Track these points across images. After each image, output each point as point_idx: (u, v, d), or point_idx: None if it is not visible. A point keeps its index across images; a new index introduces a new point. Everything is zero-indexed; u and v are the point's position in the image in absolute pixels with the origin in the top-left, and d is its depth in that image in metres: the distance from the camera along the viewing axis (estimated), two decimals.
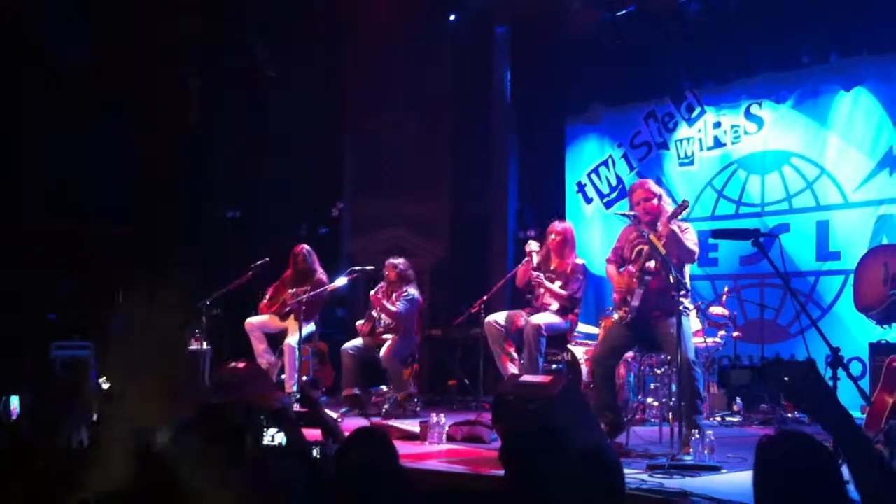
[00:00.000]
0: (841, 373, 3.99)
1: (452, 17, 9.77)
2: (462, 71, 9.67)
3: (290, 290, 7.92)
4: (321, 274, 8.03)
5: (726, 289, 7.85)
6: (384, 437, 3.28)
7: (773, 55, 8.33)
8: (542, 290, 6.99)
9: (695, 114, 9.04)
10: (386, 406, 7.54)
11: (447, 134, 9.85)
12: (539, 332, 6.64)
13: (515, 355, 6.75)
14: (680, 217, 5.69)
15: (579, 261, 7.10)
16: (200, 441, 3.43)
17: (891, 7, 7.37)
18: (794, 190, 8.35)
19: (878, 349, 6.40)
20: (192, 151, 9.80)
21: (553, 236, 7.07)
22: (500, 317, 6.87)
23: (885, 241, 7.50)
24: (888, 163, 7.73)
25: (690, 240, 5.75)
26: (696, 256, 5.81)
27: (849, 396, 4.75)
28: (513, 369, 6.64)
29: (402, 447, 5.70)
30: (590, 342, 7.31)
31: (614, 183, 9.61)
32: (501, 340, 6.75)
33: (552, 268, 7.03)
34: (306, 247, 8.15)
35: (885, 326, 5.65)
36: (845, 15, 7.67)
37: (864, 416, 5.53)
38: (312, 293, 7.71)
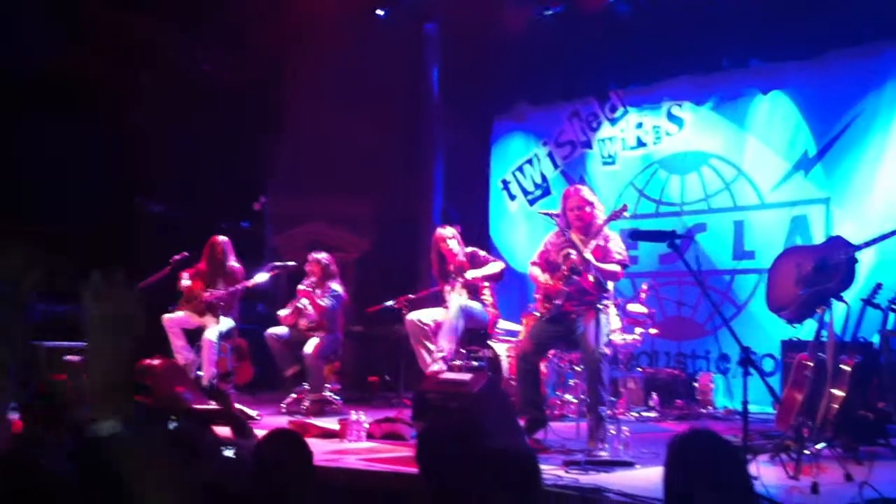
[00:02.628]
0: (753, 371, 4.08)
1: (381, 13, 9.71)
2: (390, 67, 9.60)
3: (205, 289, 7.76)
4: (236, 267, 7.89)
5: (645, 286, 7.97)
6: (298, 439, 3.23)
7: (695, 58, 8.47)
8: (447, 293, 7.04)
9: (618, 114, 9.16)
10: (306, 403, 7.46)
11: (375, 129, 9.78)
12: (456, 328, 6.63)
13: (438, 354, 6.74)
14: (618, 219, 5.80)
15: (469, 249, 7.15)
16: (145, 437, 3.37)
17: (808, 14, 7.55)
18: (712, 190, 8.52)
19: (789, 346, 6.58)
20: (122, 146, 9.56)
21: (449, 242, 7.10)
22: (422, 314, 6.85)
23: (798, 242, 7.72)
24: (803, 165, 7.94)
25: (615, 250, 5.82)
26: (619, 275, 5.86)
27: (760, 394, 4.89)
28: (434, 367, 6.63)
29: (321, 445, 5.71)
30: (512, 339, 7.34)
31: (538, 181, 9.69)
32: (423, 338, 6.73)
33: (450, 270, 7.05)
34: (222, 238, 8.00)
35: (795, 325, 5.79)
36: (765, 21, 7.84)
37: (776, 412, 5.70)
38: (229, 290, 7.59)
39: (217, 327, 7.55)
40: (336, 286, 7.82)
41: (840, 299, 5.36)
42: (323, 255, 7.91)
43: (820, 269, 5.38)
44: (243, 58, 9.72)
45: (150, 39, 9.31)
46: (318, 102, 9.97)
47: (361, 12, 9.53)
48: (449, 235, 7.10)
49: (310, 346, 7.48)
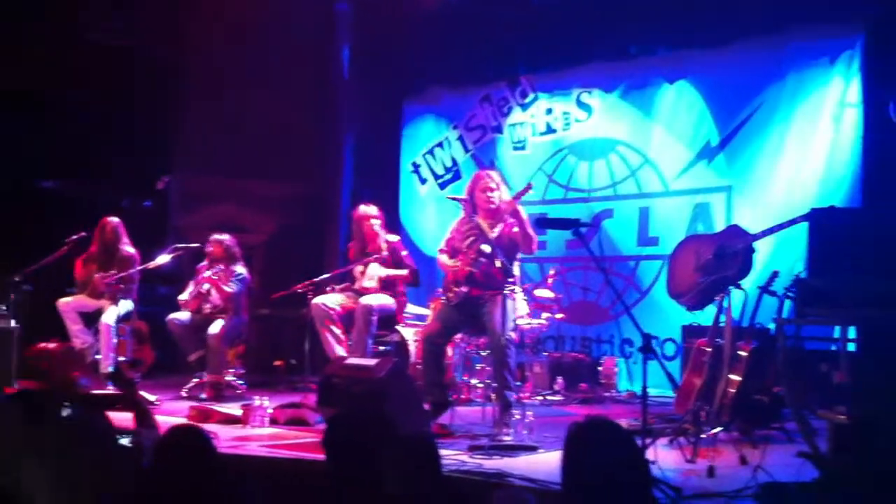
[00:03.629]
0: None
1: None
2: (301, 45, 9.43)
3: (98, 272, 7.52)
4: (129, 250, 7.66)
5: (552, 271, 8.04)
6: (200, 435, 3.15)
7: (604, 46, 8.56)
8: (360, 273, 6.96)
9: (528, 99, 9.21)
10: (208, 388, 7.30)
11: (285, 108, 9.60)
12: (370, 312, 6.59)
13: (343, 336, 6.68)
14: (522, 198, 5.81)
15: (393, 238, 7.09)
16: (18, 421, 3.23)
17: (714, 3, 7.69)
18: (619, 177, 8.64)
19: (689, 332, 6.73)
20: (16, 121, 9.17)
21: (374, 221, 7.01)
22: (327, 298, 6.77)
23: (700, 229, 7.89)
24: (706, 154, 8.10)
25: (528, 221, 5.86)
26: (534, 244, 5.89)
27: (662, 378, 4.98)
28: (340, 351, 6.57)
29: (223, 431, 5.61)
30: (419, 323, 7.32)
31: (449, 164, 9.68)
32: (328, 322, 6.65)
33: (371, 253, 6.98)
34: (114, 219, 7.75)
35: (694, 312, 5.92)
36: (672, 9, 7.94)
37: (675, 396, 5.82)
38: (120, 275, 7.37)
39: (115, 310, 7.32)
40: (240, 269, 7.66)
41: (738, 287, 5.50)
42: (225, 237, 7.73)
43: (718, 257, 5.50)
44: (145, 28, 9.41)
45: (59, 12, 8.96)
46: (226, 79, 9.73)
47: None
48: (373, 214, 7.03)
49: (214, 329, 7.33)
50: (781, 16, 7.52)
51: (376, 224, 6.99)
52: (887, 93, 6.92)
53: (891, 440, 3.83)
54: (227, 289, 7.52)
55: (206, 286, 7.60)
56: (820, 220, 4.64)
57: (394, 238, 7.08)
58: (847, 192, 7.18)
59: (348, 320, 6.70)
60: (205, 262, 7.75)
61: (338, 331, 6.67)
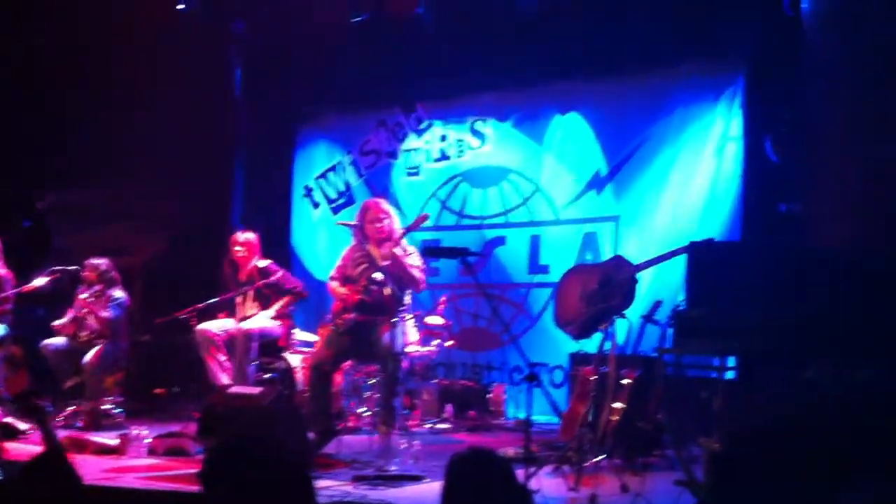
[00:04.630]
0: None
1: (181, 7, 9.29)
2: (194, 63, 9.23)
3: None
4: (2, 272, 7.34)
5: (443, 298, 8.05)
6: (64, 464, 3.01)
7: (499, 74, 8.63)
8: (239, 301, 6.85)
9: (423, 125, 9.23)
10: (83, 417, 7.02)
11: (175, 128, 9.36)
12: (250, 338, 6.46)
13: (228, 364, 6.52)
14: (418, 228, 5.86)
15: (262, 263, 7.01)
16: None
17: (605, 37, 7.86)
18: (511, 204, 8.72)
19: (576, 359, 6.79)
20: None
21: (237, 248, 6.95)
22: (213, 325, 6.61)
23: (589, 258, 8.03)
24: (595, 184, 8.26)
25: (414, 265, 5.89)
26: (420, 284, 5.95)
27: (546, 406, 5.01)
28: (225, 379, 6.41)
29: (99, 462, 5.40)
30: (307, 350, 7.20)
31: (342, 189, 9.61)
32: (212, 349, 6.49)
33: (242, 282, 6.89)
34: None
35: (580, 341, 5.99)
36: (565, 42, 8.09)
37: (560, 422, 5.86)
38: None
39: None
40: (118, 293, 7.42)
41: (622, 316, 5.60)
42: (102, 261, 7.49)
43: (603, 287, 5.59)
44: (37, 45, 9.06)
45: None
46: (118, 95, 9.43)
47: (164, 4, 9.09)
48: (239, 241, 6.93)
49: (90, 355, 7.07)
50: (669, 52, 7.74)
51: (241, 251, 6.92)
52: (766, 129, 7.19)
53: (762, 468, 3.93)
54: (103, 314, 7.27)
55: (83, 311, 7.33)
56: (698, 253, 4.78)
57: (263, 263, 7.00)
58: (728, 224, 7.43)
59: (232, 346, 6.55)
60: (82, 287, 7.48)
61: (223, 358, 6.52)
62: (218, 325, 6.59)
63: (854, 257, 4.70)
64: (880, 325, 4.23)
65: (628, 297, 5.62)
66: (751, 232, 7.22)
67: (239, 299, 6.79)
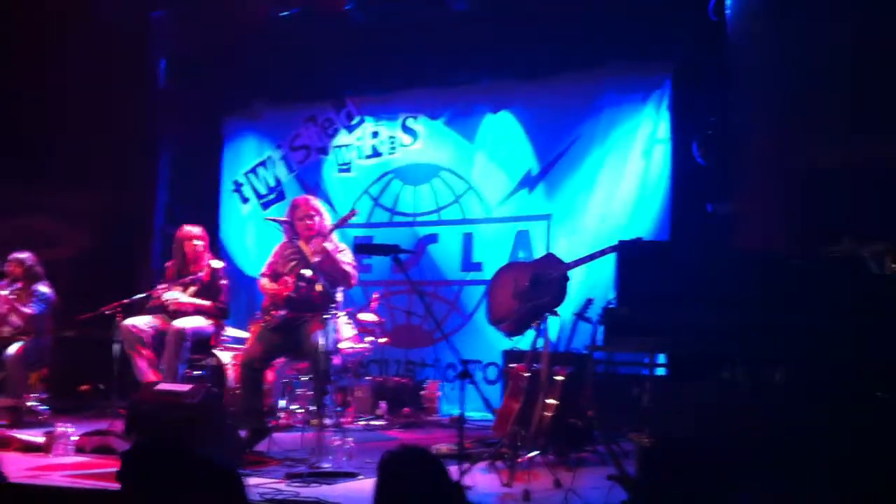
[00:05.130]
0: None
1: None
2: (113, 54, 9.01)
3: None
4: None
5: (376, 295, 8.04)
6: None
7: (431, 72, 8.66)
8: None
9: (354, 121, 9.20)
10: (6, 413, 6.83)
11: (98, 119, 9.13)
12: (182, 337, 6.35)
13: (154, 360, 6.40)
14: (346, 224, 5.83)
15: (217, 264, 6.88)
16: None
17: (537, 37, 7.95)
18: (443, 202, 8.75)
19: (510, 356, 6.84)
20: None
21: (197, 242, 6.79)
22: (139, 320, 6.46)
23: (521, 256, 8.11)
24: (527, 183, 8.34)
25: (345, 261, 5.88)
26: (352, 280, 5.95)
27: (479, 403, 5.05)
28: (151, 376, 6.30)
29: (24, 460, 5.26)
30: (237, 347, 7.12)
31: (272, 184, 9.52)
32: (138, 345, 6.35)
33: (189, 274, 6.74)
34: None
35: (513, 338, 6.04)
36: (497, 40, 8.15)
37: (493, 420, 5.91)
38: None
39: None
40: (43, 288, 7.24)
41: (554, 314, 5.67)
42: (25, 255, 7.28)
43: (535, 285, 5.65)
44: None
45: None
46: (39, 86, 9.15)
47: None
48: (197, 234, 6.79)
49: (13, 351, 6.87)
50: (598, 53, 7.87)
51: (199, 245, 6.77)
52: (692, 131, 7.36)
53: (691, 462, 4.02)
54: (26, 310, 7.08)
55: (5, 306, 7.12)
56: (627, 252, 4.85)
57: (218, 264, 6.87)
58: (657, 224, 7.58)
59: (160, 343, 6.42)
60: (4, 282, 7.26)
61: (148, 354, 6.39)
62: (144, 321, 6.46)
63: (777, 259, 4.82)
64: (797, 327, 4.35)
65: (560, 295, 5.70)
66: (679, 232, 7.38)
67: (169, 294, 6.64)
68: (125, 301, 6.61)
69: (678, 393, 4.60)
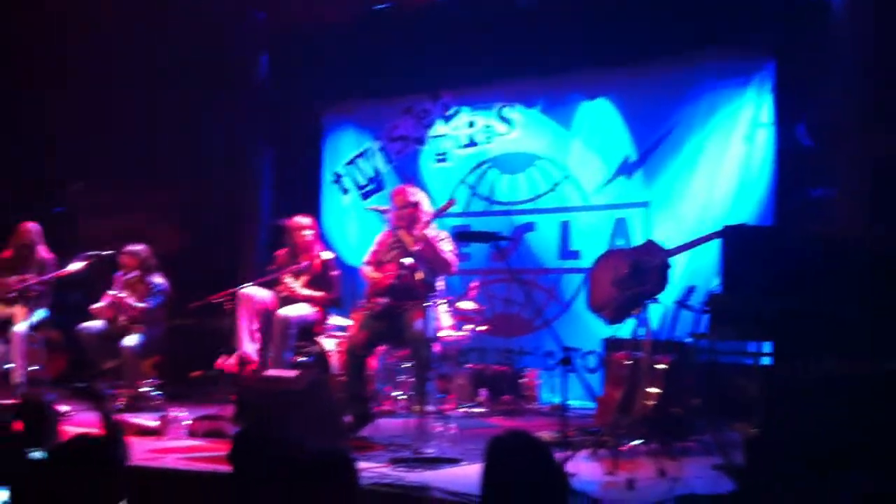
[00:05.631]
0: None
1: None
2: (215, 54, 9.30)
3: (13, 276, 7.30)
4: (46, 255, 7.46)
5: (474, 283, 8.08)
6: (121, 446, 3.11)
7: (525, 61, 8.63)
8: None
9: (451, 112, 9.25)
10: (123, 399, 7.14)
11: (199, 116, 9.44)
12: (287, 325, 6.53)
13: (257, 333, 6.65)
14: (445, 214, 5.92)
15: (328, 255, 7.05)
16: None
17: (632, 21, 7.85)
18: (539, 190, 8.74)
19: (610, 344, 6.81)
20: None
21: (306, 232, 6.99)
22: (257, 291, 6.74)
23: (619, 244, 8.04)
24: (625, 170, 8.26)
25: (445, 249, 5.95)
26: (452, 267, 6.02)
27: (583, 391, 5.05)
28: (249, 347, 6.54)
29: (140, 444, 5.49)
30: (340, 334, 7.27)
31: (372, 175, 9.65)
32: (249, 314, 6.61)
33: (300, 265, 6.95)
34: (32, 225, 7.55)
35: (613, 326, 6.01)
36: (591, 26, 8.09)
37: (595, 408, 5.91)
38: (39, 280, 7.17)
39: (28, 319, 7.12)
40: (158, 279, 7.52)
41: (655, 301, 5.61)
42: (140, 248, 7.58)
43: (635, 272, 5.60)
44: (48, 33, 9.13)
45: None
46: (137, 86, 9.50)
47: None
48: (306, 224, 7.01)
49: (129, 340, 7.18)
50: (696, 37, 7.73)
51: (309, 234, 6.99)
52: (797, 115, 7.18)
53: (800, 453, 3.95)
54: (142, 301, 7.37)
55: (121, 296, 7.43)
56: (733, 237, 4.78)
57: (329, 255, 7.07)
58: (758, 210, 7.42)
59: (265, 321, 6.66)
60: (120, 272, 7.57)
61: (254, 326, 6.63)
62: (261, 293, 6.71)
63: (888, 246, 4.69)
64: None
65: (661, 283, 5.62)
66: (784, 218, 7.21)
67: (289, 278, 6.86)
68: (235, 290, 6.84)
69: (785, 383, 4.51)
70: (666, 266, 5.65)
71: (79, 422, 6.12)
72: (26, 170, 9.12)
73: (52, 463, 2.99)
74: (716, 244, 5.45)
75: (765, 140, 7.54)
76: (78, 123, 9.46)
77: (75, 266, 7.42)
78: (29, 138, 9.14)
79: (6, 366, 7.19)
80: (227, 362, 6.73)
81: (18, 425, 3.88)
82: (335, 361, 6.94)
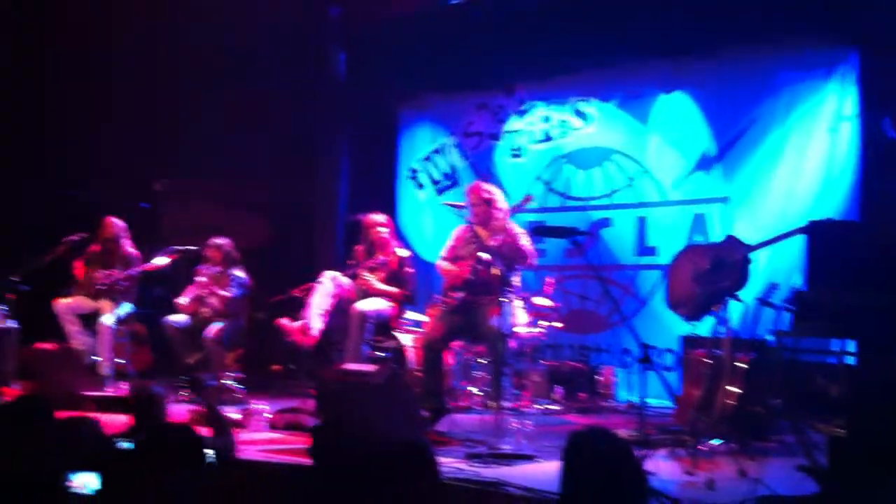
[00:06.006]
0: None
1: None
2: (293, 50, 9.45)
3: (100, 270, 7.53)
4: (131, 251, 7.67)
5: (550, 280, 8.05)
6: (228, 437, 3.20)
7: (600, 55, 8.55)
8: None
9: (525, 107, 9.22)
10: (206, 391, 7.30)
11: (276, 114, 9.61)
12: (364, 319, 6.62)
13: (325, 315, 6.82)
14: (522, 210, 5.94)
15: (403, 253, 7.13)
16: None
17: (708, 14, 7.72)
18: (616, 186, 8.66)
19: (688, 342, 6.74)
20: (23, 127, 9.24)
21: (381, 229, 7.09)
22: (341, 277, 6.91)
23: (698, 240, 7.91)
24: (704, 165, 8.12)
25: (523, 244, 5.97)
26: (531, 258, 6.02)
27: (660, 389, 5.00)
28: (316, 322, 6.66)
29: None
30: (417, 329, 7.33)
31: (447, 171, 9.69)
32: (328, 293, 6.76)
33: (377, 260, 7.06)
34: (117, 220, 7.77)
35: (692, 323, 5.93)
36: (667, 20, 7.96)
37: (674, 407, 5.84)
38: (125, 274, 7.39)
39: (114, 312, 7.34)
40: (239, 273, 7.68)
41: (735, 298, 5.52)
42: (223, 241, 7.75)
43: (715, 268, 5.52)
44: (136, 37, 9.39)
45: None
46: (216, 84, 9.70)
47: None
48: (381, 222, 7.13)
49: (212, 332, 7.34)
50: (776, 28, 7.55)
51: (384, 232, 7.09)
52: (882, 107, 6.97)
53: (886, 455, 3.86)
54: (226, 293, 7.53)
55: (205, 289, 7.60)
56: (819, 233, 4.68)
57: (405, 253, 7.16)
58: (842, 205, 7.22)
59: (337, 310, 6.81)
60: (204, 266, 7.75)
61: (327, 306, 6.77)
62: (343, 280, 6.89)
63: None
64: None
65: (741, 279, 5.55)
66: (870, 213, 7.01)
67: (367, 273, 6.98)
68: (313, 284, 6.96)
69: (870, 382, 4.40)
70: (747, 262, 5.57)
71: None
72: (116, 167, 9.40)
73: (143, 452, 3.07)
74: (797, 240, 5.35)
75: (849, 133, 7.34)
76: (163, 121, 9.72)
77: (160, 261, 7.61)
78: (117, 136, 9.41)
79: (93, 358, 7.42)
80: (291, 325, 6.87)
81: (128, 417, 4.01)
82: (412, 356, 7.00)
